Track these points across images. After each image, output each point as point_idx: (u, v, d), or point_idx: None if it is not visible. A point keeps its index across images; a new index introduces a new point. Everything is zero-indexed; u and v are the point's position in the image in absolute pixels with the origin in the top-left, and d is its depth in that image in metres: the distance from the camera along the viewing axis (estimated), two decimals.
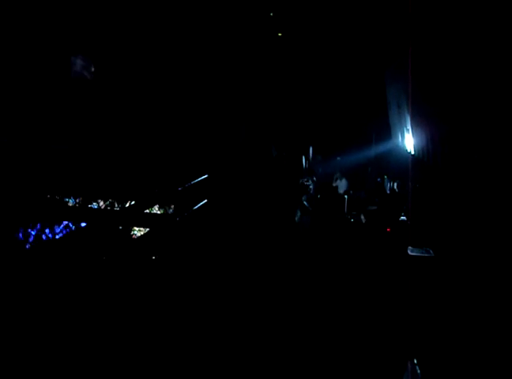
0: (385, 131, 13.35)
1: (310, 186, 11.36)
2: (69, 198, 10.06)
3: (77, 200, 9.75)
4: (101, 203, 9.56)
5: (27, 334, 5.72)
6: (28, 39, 10.96)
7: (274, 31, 13.32)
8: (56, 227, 9.19)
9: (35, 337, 5.67)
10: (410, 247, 7.58)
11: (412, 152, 10.29)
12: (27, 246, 8.75)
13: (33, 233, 9.03)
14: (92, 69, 11.70)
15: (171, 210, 9.58)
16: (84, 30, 11.21)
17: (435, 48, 7.35)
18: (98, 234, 8.69)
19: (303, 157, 11.90)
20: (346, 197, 11.77)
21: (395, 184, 11.83)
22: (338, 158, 13.78)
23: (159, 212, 9.38)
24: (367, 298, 7.07)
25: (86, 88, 11.61)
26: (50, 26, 11.05)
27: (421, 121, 9.00)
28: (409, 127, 10.11)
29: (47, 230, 9.15)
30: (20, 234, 8.70)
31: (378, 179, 12.79)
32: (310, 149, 12.47)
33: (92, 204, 9.65)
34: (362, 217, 10.81)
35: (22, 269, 7.46)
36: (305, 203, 10.80)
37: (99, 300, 6.69)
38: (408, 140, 10.54)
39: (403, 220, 10.09)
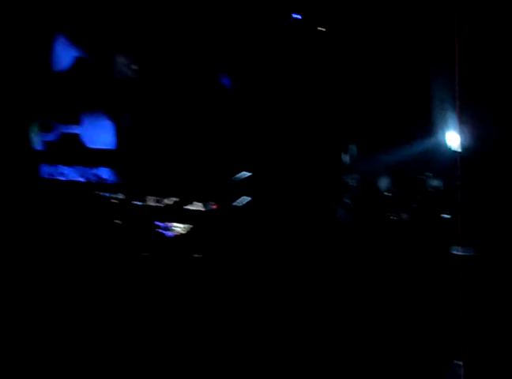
0: (429, 127, 13.09)
1: (352, 184, 11.25)
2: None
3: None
4: (146, 199, 9.70)
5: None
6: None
7: (315, 27, 13.21)
8: None
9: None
10: (453, 246, 7.47)
11: (457, 150, 10.10)
12: None
13: None
14: (135, 68, 11.86)
15: (212, 206, 9.64)
16: (125, 29, 11.37)
17: (484, 42, 7.17)
18: (140, 230, 8.81)
19: (345, 154, 11.79)
20: (388, 194, 11.62)
21: (438, 182, 11.62)
22: (380, 155, 13.58)
23: (202, 209, 9.46)
24: (410, 297, 7.00)
25: (129, 86, 11.77)
26: (94, 27, 11.28)
27: (467, 117, 8.82)
28: (454, 124, 9.92)
29: None
30: None
31: (421, 177, 12.57)
32: (352, 146, 12.33)
33: (135, 200, 9.80)
34: (404, 215, 10.67)
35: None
36: (346, 200, 10.72)
37: (139, 296, 6.78)
38: (453, 137, 10.35)
39: (446, 218, 9.93)
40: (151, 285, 7.18)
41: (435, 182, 11.80)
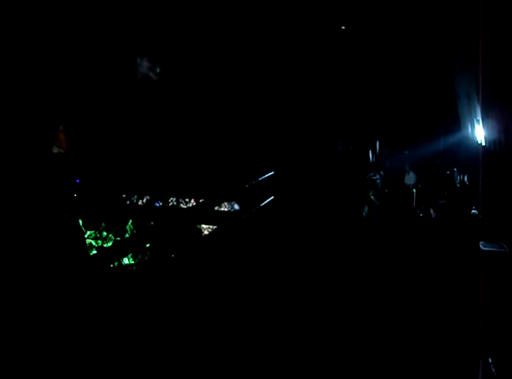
0: (455, 122, 13.02)
1: (378, 181, 11.21)
2: (137, 197, 10.37)
3: (145, 199, 10.07)
4: (169, 201, 9.83)
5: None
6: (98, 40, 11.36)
7: (337, 25, 13.22)
8: None
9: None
10: (482, 242, 7.40)
11: (483, 144, 10.00)
12: None
13: None
14: (158, 70, 11.98)
15: (237, 206, 9.72)
16: (150, 32, 11.49)
17: (508, 35, 7.09)
18: (167, 232, 8.89)
19: (370, 151, 11.74)
20: (414, 190, 11.57)
21: (465, 177, 11.54)
22: (406, 151, 13.55)
23: (226, 210, 9.53)
24: (437, 293, 6.96)
25: (152, 89, 11.89)
26: (118, 28, 11.39)
27: (492, 111, 8.73)
28: (480, 118, 9.82)
29: None
30: None
31: (448, 172, 12.49)
32: (377, 143, 12.28)
33: (158, 202, 9.93)
34: (431, 211, 10.63)
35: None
36: (372, 197, 10.70)
37: (169, 296, 6.84)
38: (479, 132, 10.25)
39: (474, 214, 9.85)
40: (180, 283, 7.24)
41: (462, 177, 11.72)
